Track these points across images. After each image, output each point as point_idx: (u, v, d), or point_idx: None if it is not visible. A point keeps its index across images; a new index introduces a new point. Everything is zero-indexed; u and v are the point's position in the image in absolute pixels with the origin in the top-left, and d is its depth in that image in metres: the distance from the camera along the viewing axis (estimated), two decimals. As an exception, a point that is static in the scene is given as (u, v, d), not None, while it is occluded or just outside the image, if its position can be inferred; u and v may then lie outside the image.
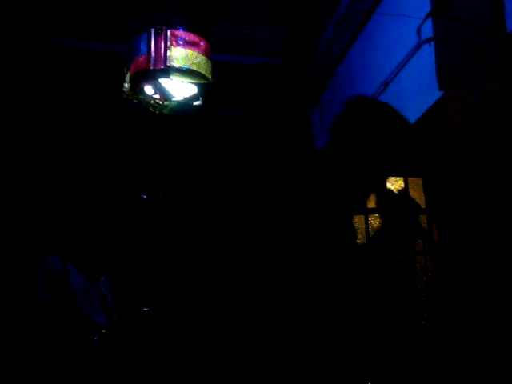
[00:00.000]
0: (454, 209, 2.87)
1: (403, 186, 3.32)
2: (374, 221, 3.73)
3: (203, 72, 3.29)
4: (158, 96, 3.41)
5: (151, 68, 3.18)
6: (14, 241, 4.77)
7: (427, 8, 3.25)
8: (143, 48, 3.21)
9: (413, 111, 3.38)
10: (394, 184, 3.25)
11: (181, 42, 3.21)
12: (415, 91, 3.51)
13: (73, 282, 3.09)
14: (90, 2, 4.67)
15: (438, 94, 3.13)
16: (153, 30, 3.22)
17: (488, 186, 2.61)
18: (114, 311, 3.29)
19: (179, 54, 3.20)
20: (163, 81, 3.30)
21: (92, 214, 3.31)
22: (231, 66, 5.18)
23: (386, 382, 2.87)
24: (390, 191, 2.99)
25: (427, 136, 2.01)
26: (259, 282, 1.59)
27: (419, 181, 3.75)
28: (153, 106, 3.44)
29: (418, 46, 3.42)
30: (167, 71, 3.21)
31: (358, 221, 3.67)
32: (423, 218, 3.67)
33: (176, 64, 3.18)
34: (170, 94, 3.39)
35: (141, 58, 3.22)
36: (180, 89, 3.41)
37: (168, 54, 3.17)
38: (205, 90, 3.49)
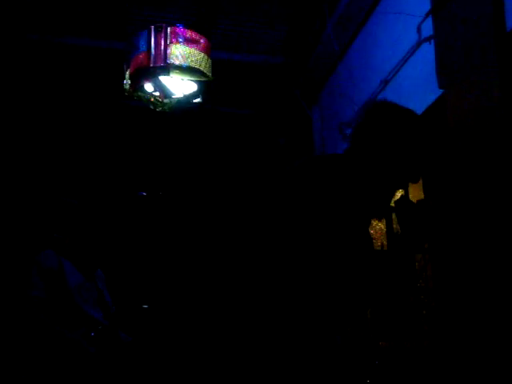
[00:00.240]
0: (453, 207, 2.87)
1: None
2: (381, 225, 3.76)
3: (203, 69, 3.29)
4: (157, 93, 3.42)
5: (151, 65, 3.18)
6: (10, 236, 4.77)
7: (427, 6, 3.24)
8: (143, 45, 3.21)
9: (413, 109, 3.38)
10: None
11: (181, 40, 3.21)
12: (415, 89, 3.51)
13: (68, 277, 3.07)
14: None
15: (437, 92, 3.13)
16: (153, 27, 3.22)
17: (487, 184, 2.61)
18: (111, 306, 3.27)
19: (179, 52, 3.20)
20: (163, 78, 3.30)
21: (90, 210, 3.29)
22: (231, 63, 5.18)
23: (385, 379, 2.87)
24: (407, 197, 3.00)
25: (427, 134, 2.02)
26: (258, 280, 1.60)
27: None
28: (153, 103, 3.44)
29: (418, 44, 3.42)
30: (167, 69, 3.21)
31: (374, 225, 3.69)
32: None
33: (176, 61, 3.18)
34: (169, 92, 3.39)
35: (141, 56, 3.22)
36: (180, 86, 3.41)
37: (168, 51, 3.17)
38: (205, 88, 3.49)
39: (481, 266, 2.60)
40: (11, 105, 5.10)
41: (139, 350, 3.33)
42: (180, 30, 3.23)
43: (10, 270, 3.98)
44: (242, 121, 5.83)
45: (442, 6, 3.04)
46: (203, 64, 3.28)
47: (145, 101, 3.44)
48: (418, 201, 1.84)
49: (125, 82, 3.36)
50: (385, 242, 3.73)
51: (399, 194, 2.62)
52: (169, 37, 3.19)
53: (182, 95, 3.46)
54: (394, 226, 3.47)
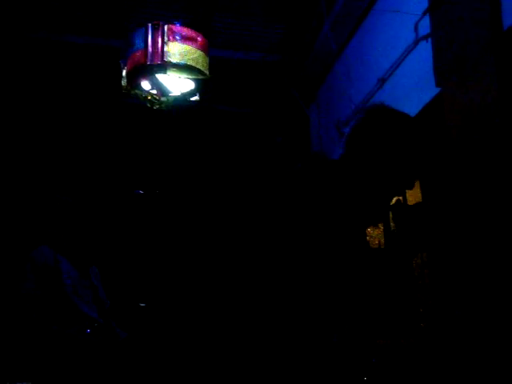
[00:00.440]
0: (451, 206, 2.87)
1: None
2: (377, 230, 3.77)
3: (200, 67, 3.28)
4: (155, 91, 3.40)
5: (148, 63, 3.17)
6: (4, 233, 4.76)
7: (425, 4, 3.25)
8: (140, 43, 3.20)
9: (410, 108, 3.39)
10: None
11: (178, 38, 3.20)
12: (412, 88, 3.51)
13: (64, 273, 3.07)
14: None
15: (435, 90, 3.13)
16: (150, 24, 3.21)
17: (484, 183, 2.61)
18: (105, 301, 3.26)
19: (176, 50, 3.19)
20: (160, 76, 3.29)
21: (86, 207, 3.28)
22: (228, 61, 5.17)
23: (382, 377, 2.88)
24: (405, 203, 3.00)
25: (424, 133, 2.01)
26: (256, 278, 1.60)
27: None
28: (150, 101, 3.44)
29: (416, 43, 3.42)
30: (164, 66, 3.20)
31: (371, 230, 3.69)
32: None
33: (173, 59, 3.17)
34: (167, 90, 3.39)
35: (138, 53, 3.21)
36: (177, 84, 3.40)
37: (165, 49, 3.16)
38: (202, 86, 3.49)
39: (477, 264, 2.60)
40: (9, 102, 5.09)
41: (135, 346, 3.33)
42: (177, 27, 3.23)
43: (5, 267, 3.96)
44: (239, 119, 5.82)
45: (440, 5, 3.04)
46: (200, 62, 3.27)
47: (142, 99, 3.43)
48: (415, 203, 1.84)
49: (122, 79, 3.35)
50: (382, 241, 3.73)
51: (395, 198, 2.63)
52: (166, 34, 3.18)
53: (179, 93, 3.46)
54: (391, 224, 3.47)
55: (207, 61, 3.34)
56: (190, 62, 3.22)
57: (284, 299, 1.62)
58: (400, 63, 3.68)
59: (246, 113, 5.85)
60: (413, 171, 1.81)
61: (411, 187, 1.85)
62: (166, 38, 3.17)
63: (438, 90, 3.10)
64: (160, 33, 3.17)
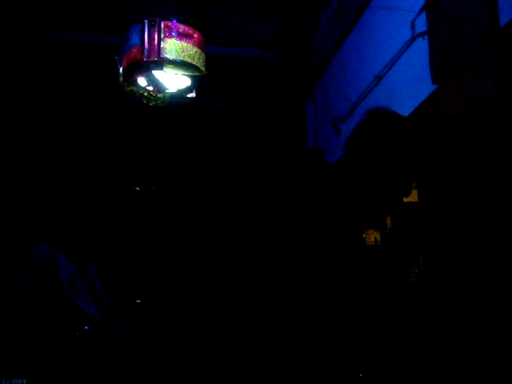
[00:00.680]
0: (447, 203, 2.88)
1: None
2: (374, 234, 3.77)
3: (197, 64, 3.28)
4: (151, 88, 3.40)
5: (144, 60, 3.17)
6: (0, 230, 4.74)
7: (421, 1, 3.25)
8: (137, 39, 3.19)
9: (406, 105, 3.39)
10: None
11: (174, 34, 3.19)
12: (409, 85, 3.51)
13: (61, 270, 3.05)
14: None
15: (431, 87, 3.13)
16: (146, 21, 3.20)
17: (481, 180, 2.62)
18: (102, 296, 3.25)
19: (173, 46, 3.18)
20: (157, 73, 3.29)
21: (83, 203, 3.27)
22: (225, 58, 5.17)
23: (377, 373, 2.89)
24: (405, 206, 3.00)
25: (420, 130, 2.02)
26: (253, 274, 1.60)
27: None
28: (146, 97, 3.43)
29: (412, 40, 3.42)
30: (160, 63, 3.19)
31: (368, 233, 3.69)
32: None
33: (169, 56, 3.17)
34: (163, 86, 3.38)
35: (134, 50, 3.20)
36: (173, 81, 3.40)
37: (161, 45, 3.16)
38: (198, 83, 3.48)
39: (473, 263, 2.61)
40: (5, 98, 5.08)
41: (133, 342, 3.32)
42: (174, 24, 3.22)
43: (2, 264, 3.95)
44: (235, 116, 5.82)
45: (436, 2, 3.04)
46: (197, 58, 3.26)
47: (138, 95, 3.42)
48: (412, 203, 1.84)
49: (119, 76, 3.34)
50: (378, 238, 3.74)
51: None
52: (162, 31, 3.17)
53: (175, 90, 3.45)
54: (388, 221, 3.48)
55: (204, 57, 3.34)
56: (186, 59, 3.22)
57: (281, 296, 1.63)
58: (396, 60, 3.68)
59: (243, 109, 5.85)
60: (410, 178, 1.81)
61: (408, 194, 1.86)
62: (162, 35, 3.16)
63: (434, 87, 3.10)
64: (156, 29, 3.16)
